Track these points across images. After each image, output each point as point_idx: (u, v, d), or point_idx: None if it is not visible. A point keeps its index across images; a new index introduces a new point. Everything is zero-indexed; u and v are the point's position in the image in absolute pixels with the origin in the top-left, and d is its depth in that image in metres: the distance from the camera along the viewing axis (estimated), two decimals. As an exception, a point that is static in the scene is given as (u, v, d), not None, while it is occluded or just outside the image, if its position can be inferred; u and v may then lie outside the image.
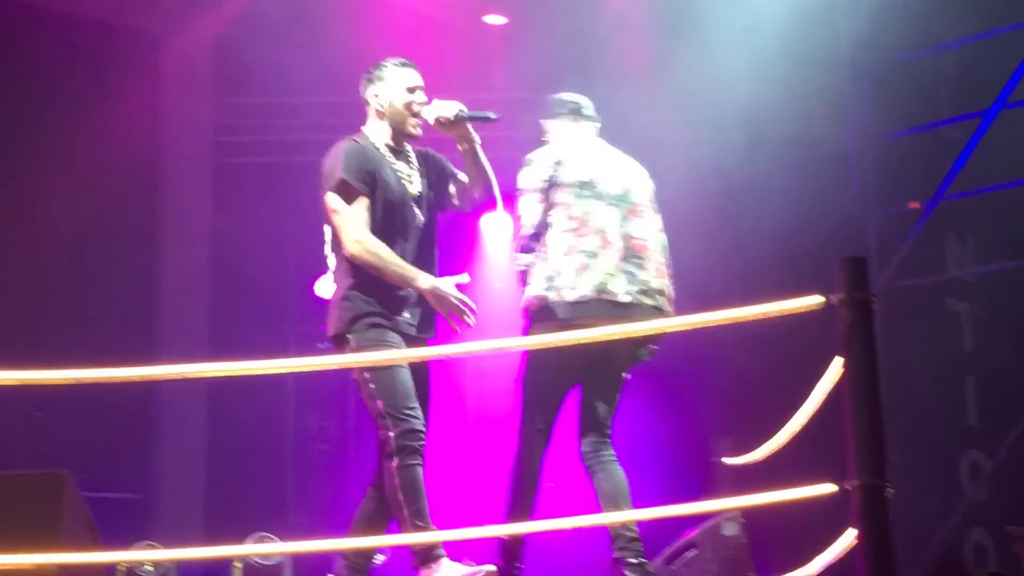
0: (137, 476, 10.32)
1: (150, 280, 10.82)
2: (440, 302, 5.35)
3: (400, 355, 5.35)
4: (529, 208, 5.89)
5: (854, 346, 3.86)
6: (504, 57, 11.19)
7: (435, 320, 5.57)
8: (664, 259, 5.97)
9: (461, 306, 5.36)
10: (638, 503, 5.96)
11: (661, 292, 5.88)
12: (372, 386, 5.31)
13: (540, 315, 5.78)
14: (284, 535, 8.86)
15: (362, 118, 10.91)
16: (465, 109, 5.53)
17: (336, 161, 5.45)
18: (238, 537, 8.27)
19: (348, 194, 5.38)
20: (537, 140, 6.26)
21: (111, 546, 5.93)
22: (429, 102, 5.61)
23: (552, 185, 5.87)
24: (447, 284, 5.38)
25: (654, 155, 10.81)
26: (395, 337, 5.37)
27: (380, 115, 5.64)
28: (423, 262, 5.49)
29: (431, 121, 5.53)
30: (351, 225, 5.34)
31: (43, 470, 5.36)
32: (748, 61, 10.16)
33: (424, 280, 5.34)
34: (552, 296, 5.73)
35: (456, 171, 5.71)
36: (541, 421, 5.84)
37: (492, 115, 5.55)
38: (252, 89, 10.99)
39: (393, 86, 5.63)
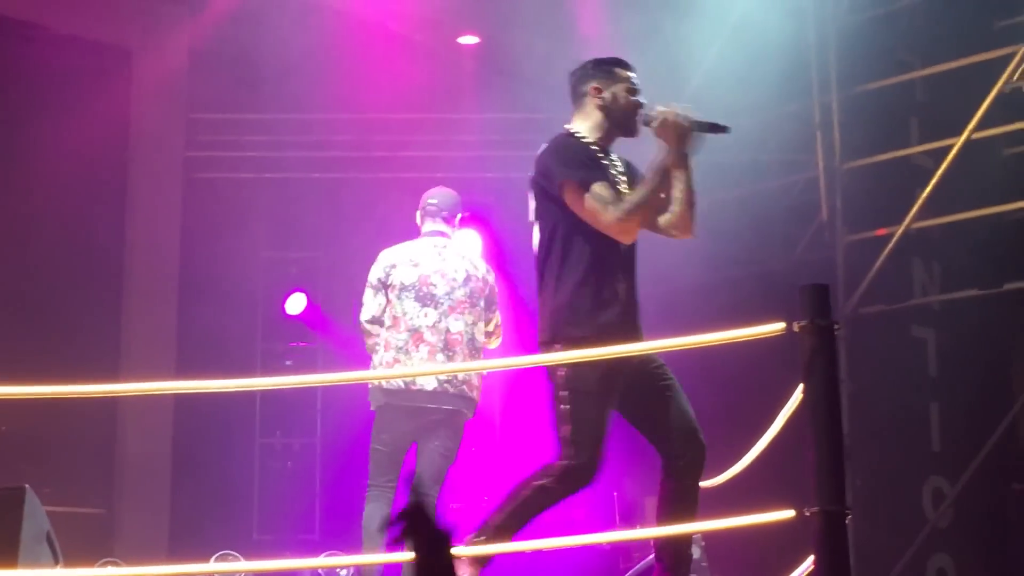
0: (101, 491, 10.26)
1: (118, 295, 10.75)
2: (678, 133, 5.04)
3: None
4: (366, 300, 6.92)
5: (815, 372, 3.87)
6: (477, 77, 11.22)
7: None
8: (471, 350, 6.83)
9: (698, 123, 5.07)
10: (602, 526, 5.98)
11: (466, 381, 6.78)
12: (566, 407, 4.97)
13: (370, 395, 6.89)
14: (248, 553, 8.81)
15: (338, 138, 11.02)
16: (695, 115, 5.09)
17: (559, 159, 5.14)
18: (202, 555, 8.23)
19: (584, 185, 5.05)
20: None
21: (72, 560, 5.90)
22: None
23: (384, 285, 6.87)
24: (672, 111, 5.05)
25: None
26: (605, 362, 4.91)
27: (601, 109, 5.24)
28: (629, 264, 5.19)
29: (654, 124, 5.09)
30: (605, 210, 5.00)
31: (2, 485, 5.31)
32: (719, 86, 10.21)
33: (661, 160, 5.06)
34: (373, 383, 6.82)
35: None
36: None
37: (725, 125, 5.10)
38: (224, 105, 10.98)
39: (618, 81, 5.27)
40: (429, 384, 6.72)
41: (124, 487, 10.41)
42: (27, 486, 4.93)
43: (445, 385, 6.74)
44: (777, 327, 4.02)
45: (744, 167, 10.41)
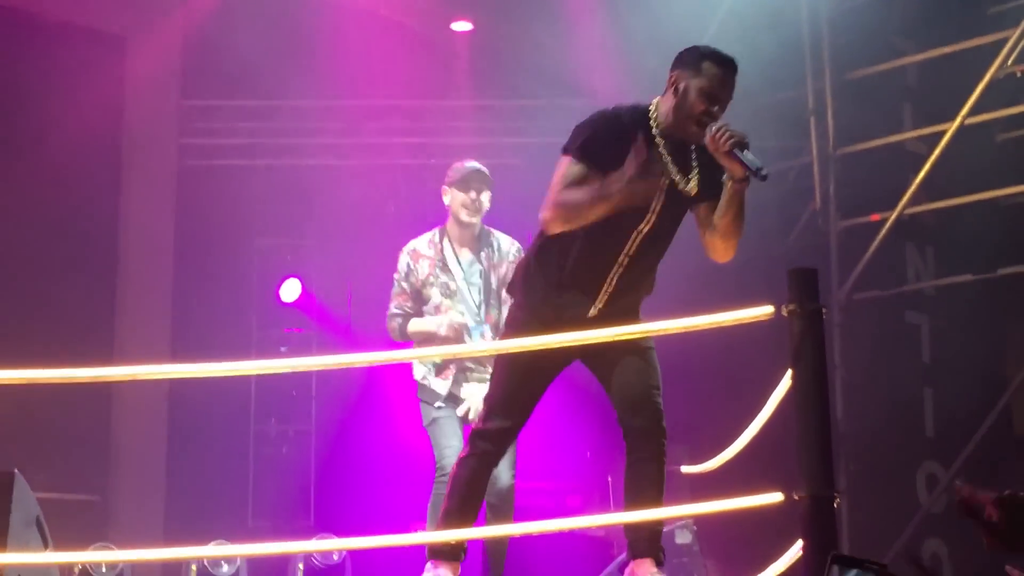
0: (96, 477, 10.25)
1: (112, 281, 10.75)
2: (721, 153, 4.78)
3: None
4: None
5: (803, 357, 3.89)
6: (471, 63, 11.21)
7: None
8: None
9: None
10: (594, 510, 5.98)
11: None
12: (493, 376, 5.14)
13: None
14: (243, 539, 8.81)
15: (332, 125, 11.01)
16: (745, 143, 4.81)
17: (579, 125, 4.96)
18: (196, 540, 8.22)
19: (567, 163, 4.88)
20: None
21: (67, 547, 5.89)
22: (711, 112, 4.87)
23: None
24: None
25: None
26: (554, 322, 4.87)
27: (673, 98, 4.92)
28: (639, 267, 5.14)
29: (705, 139, 4.84)
30: (552, 192, 4.85)
31: (-5, 471, 5.30)
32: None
33: (628, 171, 4.76)
34: None
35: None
36: None
37: (763, 170, 4.82)
38: (219, 91, 10.96)
39: (695, 81, 4.89)
40: None
41: (119, 474, 10.42)
42: (16, 471, 4.93)
43: None
44: (765, 311, 4.02)
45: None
